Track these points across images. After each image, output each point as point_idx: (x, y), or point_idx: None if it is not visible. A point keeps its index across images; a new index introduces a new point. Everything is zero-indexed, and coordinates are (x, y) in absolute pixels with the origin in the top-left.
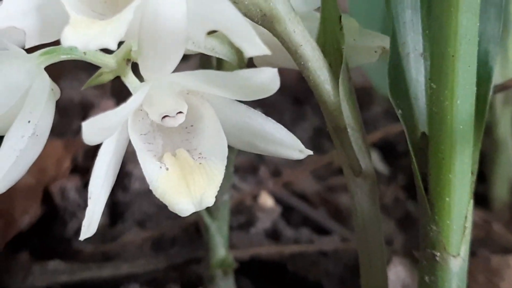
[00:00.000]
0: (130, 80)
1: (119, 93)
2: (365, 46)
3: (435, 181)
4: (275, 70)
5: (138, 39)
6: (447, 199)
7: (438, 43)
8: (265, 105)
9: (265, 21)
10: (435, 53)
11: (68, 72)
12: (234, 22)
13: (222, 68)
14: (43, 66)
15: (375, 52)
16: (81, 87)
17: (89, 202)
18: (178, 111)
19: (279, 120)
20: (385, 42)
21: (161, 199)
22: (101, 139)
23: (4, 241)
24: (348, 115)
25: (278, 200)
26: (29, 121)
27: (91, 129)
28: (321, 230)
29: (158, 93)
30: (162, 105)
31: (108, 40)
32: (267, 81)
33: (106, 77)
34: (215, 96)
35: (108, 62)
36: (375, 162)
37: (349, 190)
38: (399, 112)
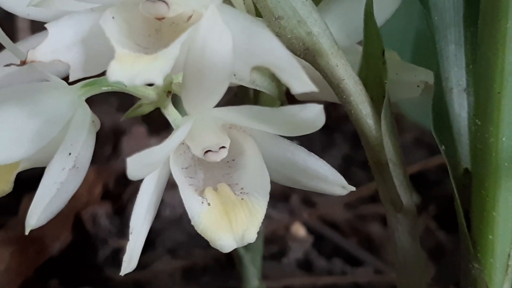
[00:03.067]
0: (170, 112)
1: (150, 119)
2: (408, 80)
3: (478, 219)
4: (321, 107)
5: (183, 73)
6: (490, 237)
7: (484, 79)
8: None
9: (307, 55)
10: (480, 90)
11: (98, 96)
12: (282, 59)
13: (259, 100)
14: (84, 98)
15: (418, 86)
16: (112, 111)
17: (130, 237)
18: (221, 145)
19: (309, 148)
20: (428, 76)
21: (202, 235)
22: (145, 174)
23: (34, 267)
24: (389, 150)
25: (309, 229)
26: (70, 154)
27: (136, 165)
28: (354, 261)
29: (200, 127)
30: (204, 139)
31: (154, 76)
32: (312, 117)
33: (146, 108)
34: (258, 130)
35: (149, 94)
36: None
37: (389, 226)
38: (442, 148)
